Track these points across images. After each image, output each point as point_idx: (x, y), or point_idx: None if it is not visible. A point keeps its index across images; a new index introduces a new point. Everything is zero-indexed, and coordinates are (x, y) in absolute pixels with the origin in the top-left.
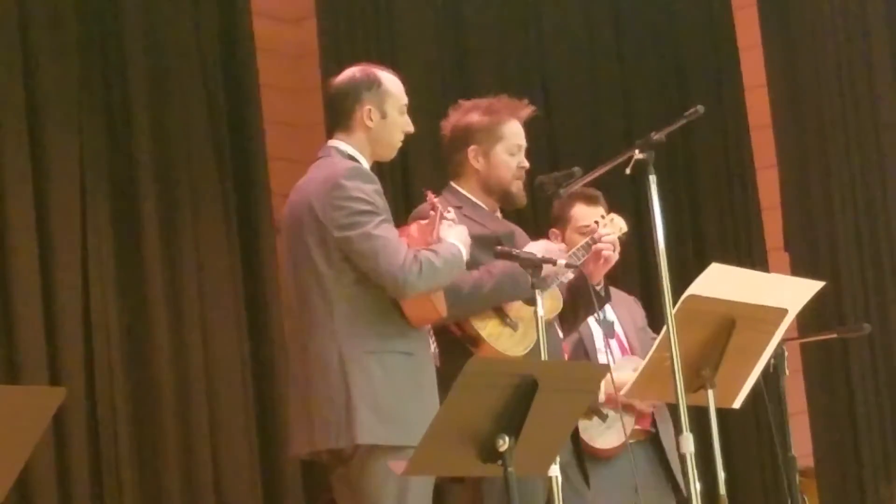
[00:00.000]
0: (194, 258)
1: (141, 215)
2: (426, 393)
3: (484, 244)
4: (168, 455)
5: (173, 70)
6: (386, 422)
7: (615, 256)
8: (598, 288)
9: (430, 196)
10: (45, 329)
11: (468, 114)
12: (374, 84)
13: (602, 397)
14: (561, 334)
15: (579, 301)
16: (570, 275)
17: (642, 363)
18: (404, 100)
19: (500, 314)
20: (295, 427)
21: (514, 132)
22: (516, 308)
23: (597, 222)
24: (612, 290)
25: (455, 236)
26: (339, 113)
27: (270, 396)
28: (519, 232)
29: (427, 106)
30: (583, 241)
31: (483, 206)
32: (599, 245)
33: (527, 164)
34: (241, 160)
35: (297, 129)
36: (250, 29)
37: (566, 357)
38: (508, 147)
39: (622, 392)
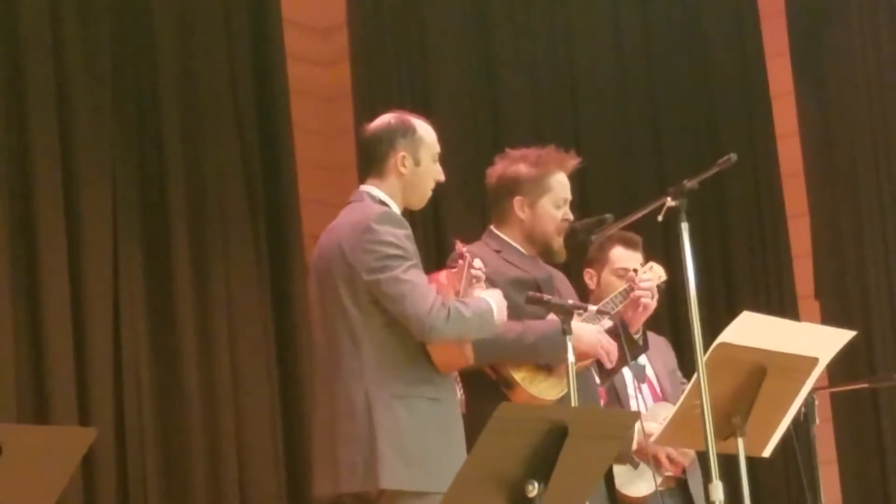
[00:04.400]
0: (225, 299)
1: (172, 256)
2: (453, 439)
3: (522, 288)
4: (196, 495)
5: (207, 112)
6: (411, 467)
7: (653, 304)
8: (636, 336)
9: (459, 245)
10: (76, 369)
11: (516, 163)
12: (408, 131)
13: (634, 446)
14: (598, 380)
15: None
16: (608, 322)
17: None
18: (437, 148)
19: None
20: (319, 468)
21: (561, 185)
22: None
23: (635, 270)
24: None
25: (490, 296)
26: (372, 158)
27: (300, 437)
28: (557, 275)
29: (460, 153)
30: (620, 286)
31: (523, 251)
32: (638, 293)
33: (571, 216)
34: (273, 202)
35: (329, 171)
36: (284, 72)
37: (602, 403)
38: (555, 200)
39: (652, 439)
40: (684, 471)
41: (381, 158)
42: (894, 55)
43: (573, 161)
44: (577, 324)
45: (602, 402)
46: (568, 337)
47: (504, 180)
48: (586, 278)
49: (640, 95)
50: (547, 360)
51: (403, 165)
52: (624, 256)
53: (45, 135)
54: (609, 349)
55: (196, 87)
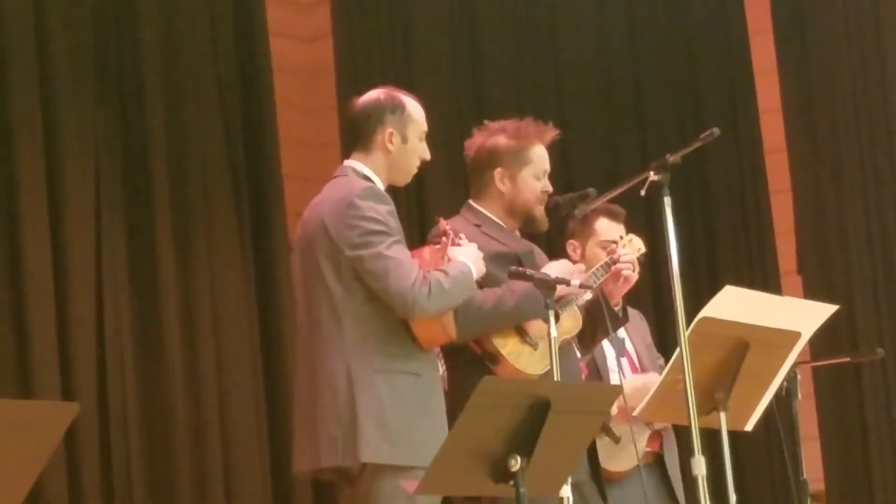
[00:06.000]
0: (208, 275)
1: (156, 231)
2: (434, 414)
3: (503, 262)
4: (180, 471)
5: (189, 88)
6: (392, 442)
7: (635, 276)
8: (616, 309)
9: (442, 222)
10: (59, 344)
11: (495, 136)
12: (397, 108)
13: (614, 410)
14: (579, 354)
15: (597, 321)
16: (590, 295)
17: (653, 377)
18: (425, 126)
19: (521, 333)
20: (300, 443)
21: (540, 156)
22: (537, 327)
23: (615, 242)
24: None
25: (465, 255)
26: (359, 133)
27: (283, 414)
28: (538, 250)
29: (443, 129)
30: (604, 258)
31: (502, 224)
32: (619, 265)
33: (550, 188)
34: (256, 178)
35: (312, 147)
36: (267, 47)
37: (584, 377)
38: (535, 171)
39: (635, 413)
40: (661, 446)
41: (368, 134)
42: (877, 32)
43: (552, 133)
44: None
45: (584, 377)
46: (551, 313)
47: (483, 152)
48: (569, 250)
49: (624, 71)
50: (531, 318)
51: (391, 142)
52: (609, 228)
53: (27, 111)
54: (580, 268)
55: (178, 63)
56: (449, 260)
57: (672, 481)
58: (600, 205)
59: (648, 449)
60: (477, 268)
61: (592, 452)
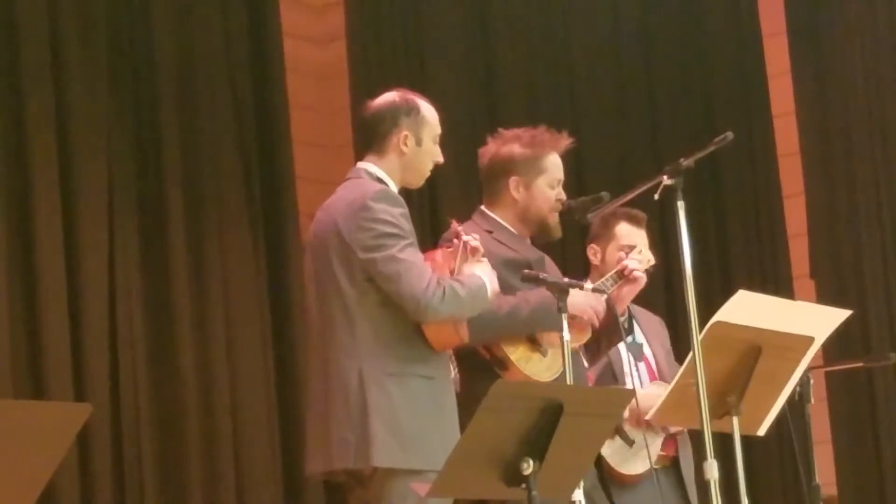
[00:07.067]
0: (221, 277)
1: (168, 234)
2: (446, 417)
3: (514, 268)
4: (192, 472)
5: (203, 90)
6: (404, 445)
7: (644, 278)
8: (621, 320)
9: (455, 225)
10: (72, 345)
11: (510, 144)
12: (412, 110)
13: (626, 414)
14: (586, 363)
15: (603, 332)
16: (603, 297)
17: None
18: (439, 129)
19: (531, 339)
20: (312, 445)
21: (555, 165)
22: (546, 334)
23: (626, 252)
24: (641, 310)
25: (480, 270)
26: (373, 135)
27: (295, 414)
28: (548, 259)
29: (456, 132)
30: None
31: (514, 231)
32: (628, 262)
33: (564, 196)
34: (269, 180)
35: (325, 149)
36: (280, 50)
37: (591, 384)
38: (549, 180)
39: (647, 417)
40: (677, 449)
41: (382, 136)
42: (891, 35)
43: (566, 141)
44: None
45: (590, 385)
46: (563, 315)
47: (498, 160)
48: (590, 254)
49: (637, 74)
50: (543, 330)
51: (405, 144)
52: (630, 232)
53: (40, 106)
54: (598, 309)
55: (193, 64)
56: (461, 270)
57: (686, 485)
58: (621, 209)
59: (663, 453)
60: (491, 286)
61: (598, 457)
